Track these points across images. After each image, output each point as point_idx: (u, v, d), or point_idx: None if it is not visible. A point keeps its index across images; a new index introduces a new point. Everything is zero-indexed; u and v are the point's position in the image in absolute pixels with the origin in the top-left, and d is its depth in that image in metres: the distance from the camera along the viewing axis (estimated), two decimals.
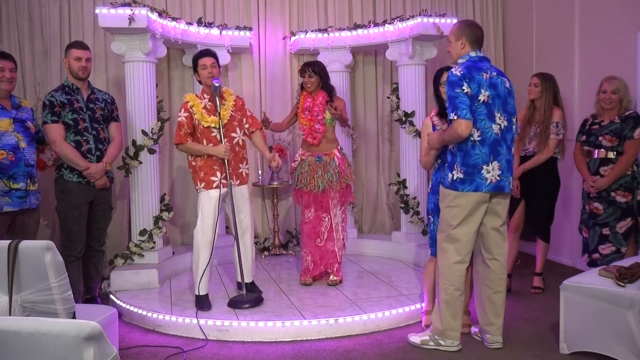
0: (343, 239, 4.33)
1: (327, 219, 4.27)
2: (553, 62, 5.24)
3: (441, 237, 3.22)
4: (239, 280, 3.93)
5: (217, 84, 3.66)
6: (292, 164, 4.44)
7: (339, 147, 4.36)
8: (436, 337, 3.26)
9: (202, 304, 3.78)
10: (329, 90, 4.35)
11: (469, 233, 3.15)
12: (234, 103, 3.88)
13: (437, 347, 3.25)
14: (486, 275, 3.27)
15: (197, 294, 3.82)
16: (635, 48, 4.35)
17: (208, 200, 3.77)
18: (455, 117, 3.00)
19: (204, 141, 3.79)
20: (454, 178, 3.12)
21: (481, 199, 3.11)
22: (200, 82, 3.90)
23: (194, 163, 3.84)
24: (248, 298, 3.83)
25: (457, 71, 3.07)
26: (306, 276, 4.34)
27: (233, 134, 3.85)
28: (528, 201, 4.24)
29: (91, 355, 1.59)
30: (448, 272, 3.18)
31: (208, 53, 3.87)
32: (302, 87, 4.43)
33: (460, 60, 3.19)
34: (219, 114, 3.72)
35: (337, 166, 4.23)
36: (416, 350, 3.27)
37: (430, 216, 3.52)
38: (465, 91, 3.01)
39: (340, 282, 4.32)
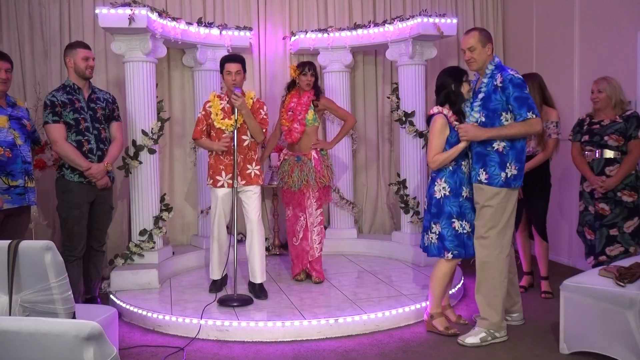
0: (320, 242, 4.35)
1: (302, 218, 4.36)
2: (553, 62, 5.24)
3: (490, 235, 3.30)
4: (251, 280, 4.13)
5: (237, 93, 3.80)
6: (277, 163, 4.62)
7: (318, 148, 4.39)
8: (492, 331, 3.33)
9: (214, 287, 4.19)
10: (317, 90, 4.42)
11: (514, 222, 3.39)
12: (251, 106, 3.96)
13: (493, 341, 3.33)
14: None
15: (211, 278, 4.23)
16: (635, 48, 4.36)
17: (214, 198, 4.06)
18: (534, 116, 3.18)
19: (216, 141, 3.99)
20: (509, 176, 3.26)
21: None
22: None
23: (208, 160, 4.14)
24: (238, 297, 3.88)
25: (517, 73, 3.25)
26: (293, 273, 4.51)
27: (244, 137, 3.99)
28: (528, 201, 4.22)
29: (91, 355, 1.59)
30: (504, 266, 3.34)
31: (235, 59, 3.97)
32: (288, 87, 4.51)
33: (489, 66, 3.31)
34: (235, 120, 3.87)
35: (313, 166, 4.28)
36: (417, 350, 3.27)
37: (454, 220, 3.40)
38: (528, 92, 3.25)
39: (322, 281, 4.35)
